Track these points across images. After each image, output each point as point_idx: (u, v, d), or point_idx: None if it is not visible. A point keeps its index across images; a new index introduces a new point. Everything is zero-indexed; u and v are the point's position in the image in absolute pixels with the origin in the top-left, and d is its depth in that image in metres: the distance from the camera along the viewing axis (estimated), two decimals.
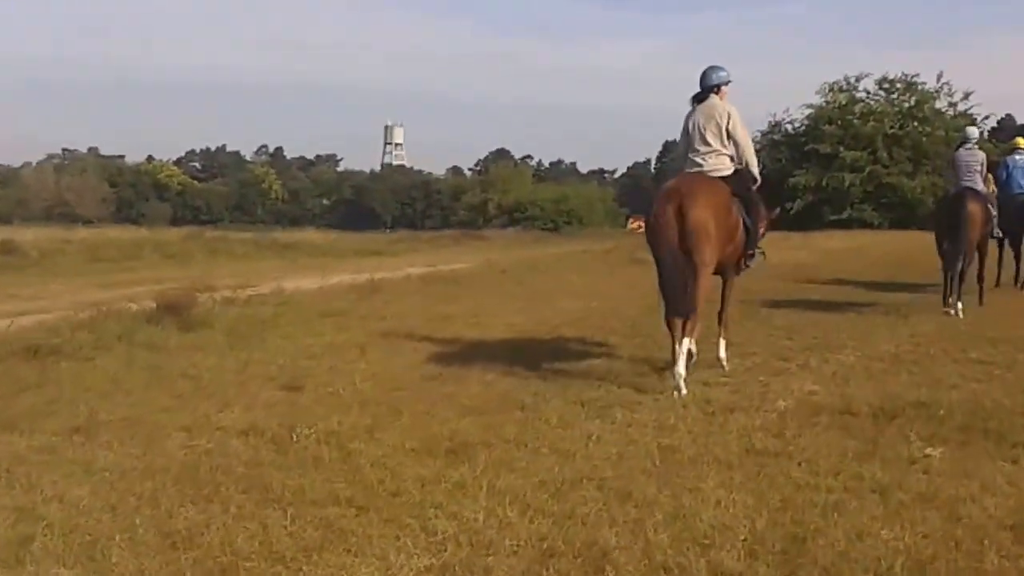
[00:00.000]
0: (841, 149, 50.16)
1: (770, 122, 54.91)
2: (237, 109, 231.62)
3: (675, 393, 8.15)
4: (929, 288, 16.69)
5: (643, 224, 9.00)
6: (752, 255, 9.26)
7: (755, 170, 9.28)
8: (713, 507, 5.33)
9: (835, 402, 7.83)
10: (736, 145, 8.95)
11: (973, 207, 13.50)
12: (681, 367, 8.37)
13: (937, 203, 15.33)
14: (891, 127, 50.97)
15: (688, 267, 8.47)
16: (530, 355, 10.19)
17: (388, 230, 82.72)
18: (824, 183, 49.56)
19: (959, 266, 13.35)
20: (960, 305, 13.24)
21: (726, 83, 9.16)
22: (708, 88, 9.05)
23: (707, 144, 8.88)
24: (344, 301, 14.49)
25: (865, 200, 50.23)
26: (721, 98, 9.07)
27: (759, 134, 54.44)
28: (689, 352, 8.69)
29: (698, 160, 8.95)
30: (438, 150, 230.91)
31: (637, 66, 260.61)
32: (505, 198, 77.08)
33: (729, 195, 8.78)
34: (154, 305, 11.90)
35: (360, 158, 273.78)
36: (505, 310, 14.00)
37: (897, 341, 10.95)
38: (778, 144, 52.37)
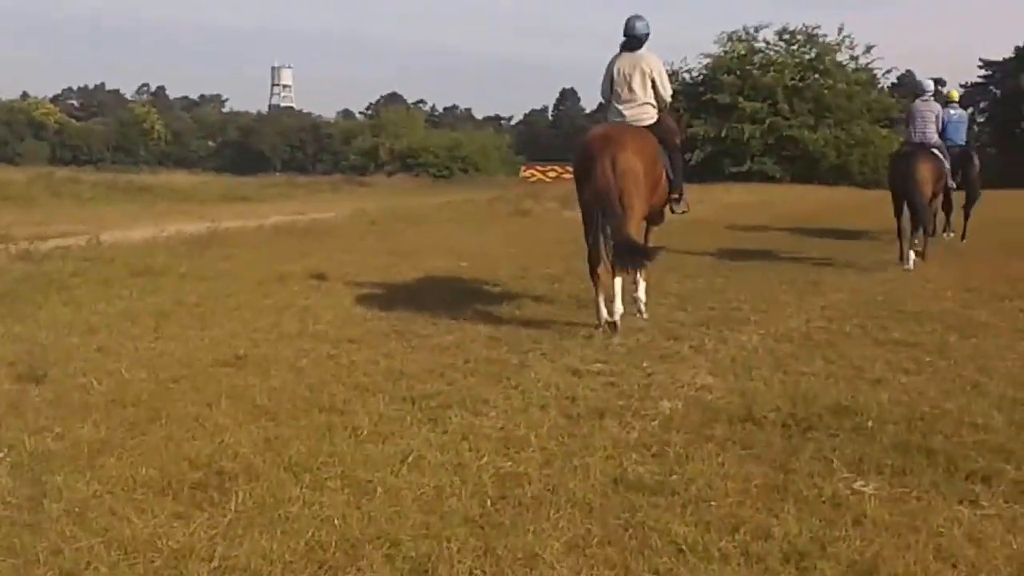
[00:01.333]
0: (740, 99, 48.40)
1: (666, 71, 53.20)
2: (117, 46, 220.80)
3: (604, 328, 8.26)
4: (839, 248, 15.29)
5: (573, 170, 9.07)
6: (678, 199, 9.44)
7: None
8: None
9: (734, 403, 6.11)
10: (659, 95, 9.09)
11: (924, 167, 13.28)
12: (608, 313, 8.36)
13: (891, 161, 14.91)
14: (791, 79, 49.22)
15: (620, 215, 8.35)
16: (369, 330, 8.41)
17: (278, 174, 79.75)
18: (724, 134, 47.90)
19: (918, 224, 13.24)
20: (913, 258, 13.00)
21: (648, 33, 9.22)
22: (638, 37, 9.10)
23: (632, 93, 9.01)
24: (170, 256, 12.41)
25: (766, 153, 48.62)
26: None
27: None
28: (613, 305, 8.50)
29: (622, 110, 9.05)
30: (328, 92, 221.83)
31: (535, 12, 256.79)
32: (398, 143, 74.16)
33: (657, 144, 8.89)
34: None
35: (247, 99, 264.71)
36: (358, 270, 12.06)
37: (807, 315, 9.30)
38: (675, 94, 50.44)
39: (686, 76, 51.17)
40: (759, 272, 12.35)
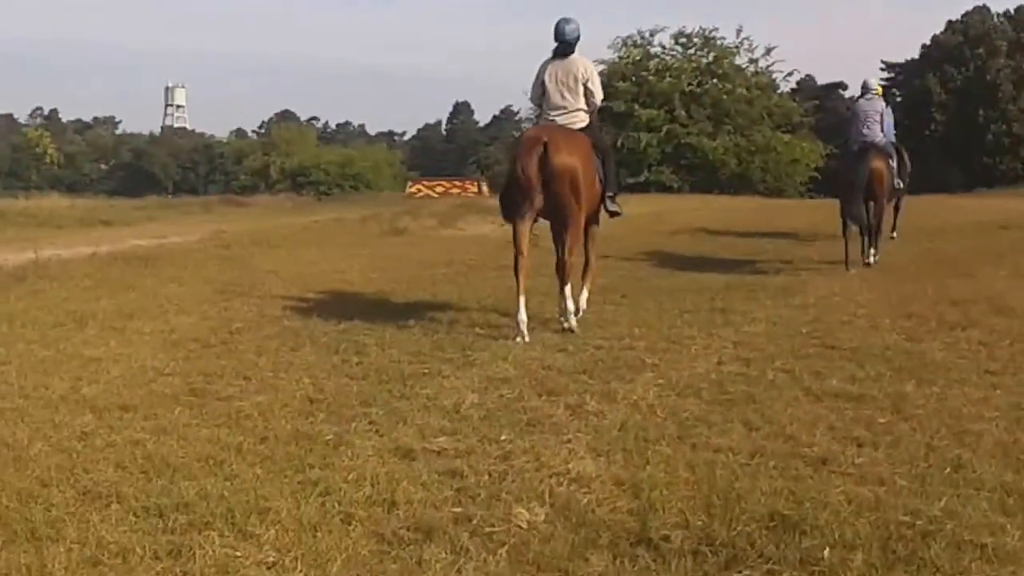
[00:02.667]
0: (636, 107, 46.39)
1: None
2: (8, 70, 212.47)
3: (518, 339, 8.01)
4: (747, 266, 13.54)
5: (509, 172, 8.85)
6: (613, 197, 9.23)
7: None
8: None
9: (622, 509, 4.22)
10: (592, 100, 9.05)
11: (878, 164, 13.11)
12: (523, 314, 8.20)
13: (839, 160, 15.25)
14: (689, 84, 47.30)
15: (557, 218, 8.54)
16: (155, 392, 6.52)
17: (170, 195, 77.11)
18: (619, 144, 45.88)
19: (871, 223, 13.13)
20: (874, 255, 13.08)
21: (578, 37, 9.14)
22: (569, 42, 9.05)
23: (564, 99, 8.96)
24: None
25: (663, 162, 46.34)
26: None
27: None
28: (565, 308, 8.61)
29: (554, 116, 8.98)
30: (222, 112, 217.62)
31: (425, 26, 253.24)
32: (288, 161, 71.57)
33: (590, 146, 8.83)
34: None
35: (141, 120, 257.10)
36: (179, 306, 10.00)
37: (717, 355, 7.44)
38: None
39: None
40: (657, 298, 10.44)
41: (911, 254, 14.51)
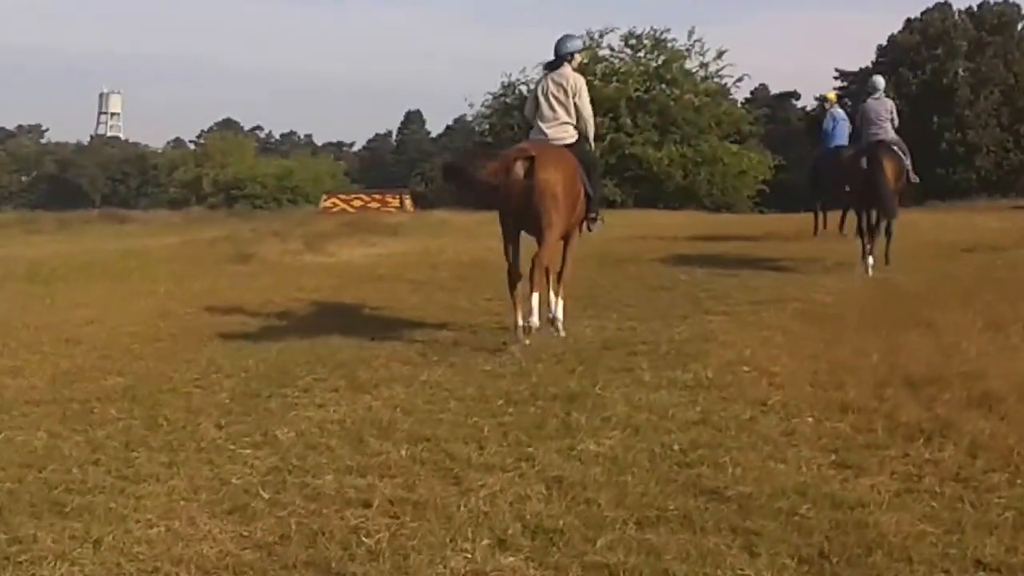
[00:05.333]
0: None
1: (503, 83, 47.32)
2: None
3: (519, 333, 8.06)
4: (648, 303, 10.16)
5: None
6: (595, 219, 9.08)
7: (591, 140, 9.38)
8: None
9: None
10: (580, 115, 8.98)
11: (886, 162, 12.94)
12: (535, 317, 8.15)
13: (849, 160, 14.42)
14: (636, 89, 43.29)
15: (534, 230, 8.33)
16: None
17: (96, 209, 73.50)
18: None
19: (881, 223, 13.01)
20: (871, 261, 12.73)
21: (580, 51, 9.25)
22: (562, 56, 9.01)
23: (554, 112, 8.90)
24: None
25: (607, 173, 43.00)
26: (574, 67, 9.13)
27: (490, 97, 47.53)
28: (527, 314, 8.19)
29: (544, 128, 8.88)
30: (161, 120, 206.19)
31: (379, 36, 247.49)
32: (223, 173, 67.60)
33: (576, 163, 8.65)
34: None
35: (72, 129, 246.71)
36: None
37: (500, 521, 4.16)
38: (511, 108, 44.50)
39: (523, 89, 45.74)
40: (497, 370, 7.08)
41: (853, 288, 11.12)
